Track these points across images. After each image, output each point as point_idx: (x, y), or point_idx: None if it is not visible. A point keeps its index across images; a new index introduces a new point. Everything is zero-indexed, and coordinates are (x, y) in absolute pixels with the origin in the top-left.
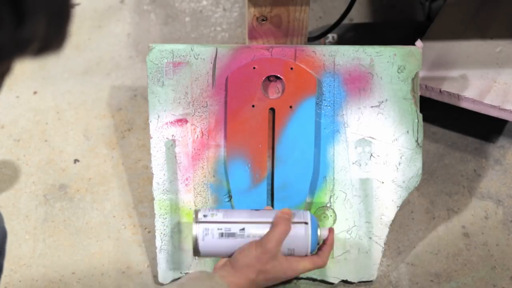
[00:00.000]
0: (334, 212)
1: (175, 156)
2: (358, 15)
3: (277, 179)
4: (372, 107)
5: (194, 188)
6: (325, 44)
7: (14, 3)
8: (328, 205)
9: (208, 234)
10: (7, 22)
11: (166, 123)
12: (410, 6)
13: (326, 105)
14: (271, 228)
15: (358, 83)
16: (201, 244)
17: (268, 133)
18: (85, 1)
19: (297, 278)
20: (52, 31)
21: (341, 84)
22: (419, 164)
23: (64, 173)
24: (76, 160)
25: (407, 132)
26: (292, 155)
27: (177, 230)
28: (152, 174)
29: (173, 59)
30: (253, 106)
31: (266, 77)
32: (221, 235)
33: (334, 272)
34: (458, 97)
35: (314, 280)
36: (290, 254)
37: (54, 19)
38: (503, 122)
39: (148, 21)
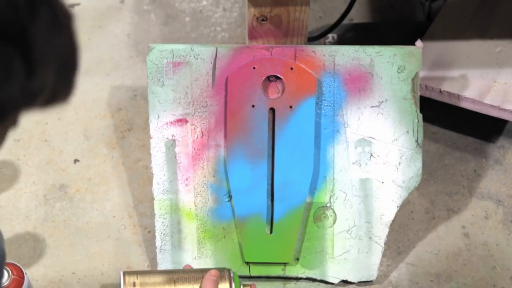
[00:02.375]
0: (334, 212)
1: (175, 156)
2: (358, 15)
3: (277, 179)
4: (372, 107)
5: (194, 188)
6: (325, 44)
7: (24, 53)
8: (328, 205)
9: None
10: (18, 73)
11: (166, 123)
12: (410, 6)
13: (326, 105)
14: None
15: (358, 83)
16: None
17: (268, 133)
18: (85, 1)
19: (297, 278)
20: (60, 82)
21: (341, 84)
22: (419, 164)
23: (64, 173)
24: (76, 160)
25: (407, 132)
26: (292, 155)
27: (177, 230)
28: (152, 174)
29: (173, 59)
30: (253, 106)
31: (266, 77)
32: None
33: (334, 272)
34: (458, 97)
35: (314, 280)
36: None
37: (63, 70)
38: (503, 122)
39: (148, 21)
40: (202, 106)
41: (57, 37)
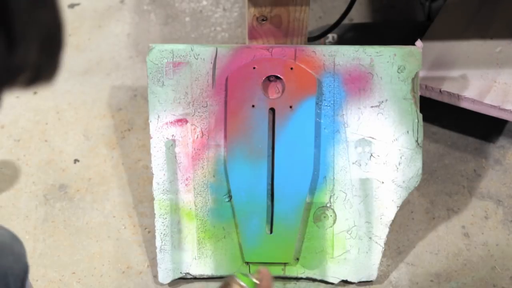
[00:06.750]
0: (334, 212)
1: (175, 156)
2: (358, 15)
3: (277, 179)
4: (372, 107)
5: (194, 188)
6: (325, 44)
7: (4, 27)
8: (328, 205)
9: None
10: None
11: (166, 123)
12: (410, 6)
13: (326, 105)
14: None
15: (358, 83)
16: None
17: (268, 133)
18: (85, 1)
19: (297, 278)
20: (44, 60)
21: (341, 84)
22: (419, 164)
23: (64, 173)
24: (76, 160)
25: (407, 132)
26: (292, 155)
27: (177, 230)
28: (152, 174)
29: (173, 59)
30: (253, 106)
31: (266, 77)
32: None
33: (334, 272)
34: (458, 97)
35: (314, 280)
36: None
37: (47, 47)
38: (503, 122)
39: (148, 21)
40: (202, 106)
41: (40, 11)
